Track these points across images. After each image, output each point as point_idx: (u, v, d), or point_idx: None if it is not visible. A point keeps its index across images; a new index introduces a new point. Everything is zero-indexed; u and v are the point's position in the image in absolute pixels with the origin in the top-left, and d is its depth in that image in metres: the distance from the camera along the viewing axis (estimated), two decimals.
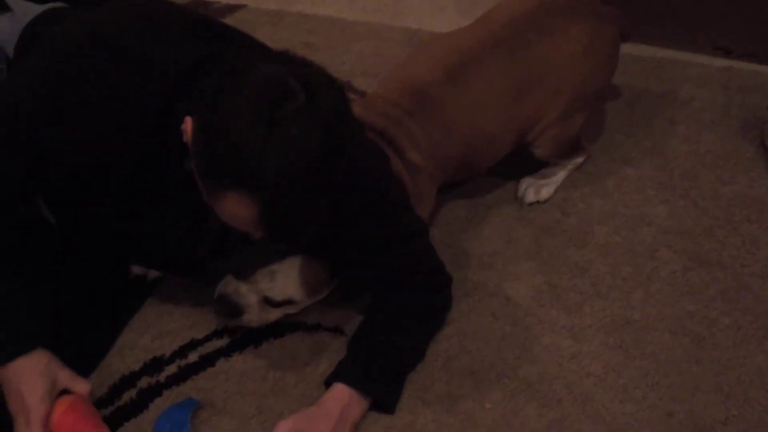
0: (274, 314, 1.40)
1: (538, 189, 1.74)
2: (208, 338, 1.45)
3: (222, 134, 1.00)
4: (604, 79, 1.70)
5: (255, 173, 0.99)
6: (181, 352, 1.43)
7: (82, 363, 1.39)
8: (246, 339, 1.44)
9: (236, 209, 1.03)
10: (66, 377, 1.24)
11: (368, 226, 1.30)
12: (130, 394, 1.36)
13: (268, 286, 1.35)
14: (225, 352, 1.43)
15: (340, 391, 1.29)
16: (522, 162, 1.73)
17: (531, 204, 1.73)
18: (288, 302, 1.38)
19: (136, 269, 1.53)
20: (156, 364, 1.41)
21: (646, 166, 1.82)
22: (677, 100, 2.03)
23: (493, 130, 1.57)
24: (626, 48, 2.20)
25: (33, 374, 1.20)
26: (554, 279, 1.56)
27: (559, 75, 1.58)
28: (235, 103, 1.00)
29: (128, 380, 1.39)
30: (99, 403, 1.34)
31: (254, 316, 1.39)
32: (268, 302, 1.37)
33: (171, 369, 1.40)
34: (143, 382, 1.38)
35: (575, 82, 1.60)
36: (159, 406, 1.34)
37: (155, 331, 1.46)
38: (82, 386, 1.26)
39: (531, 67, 1.56)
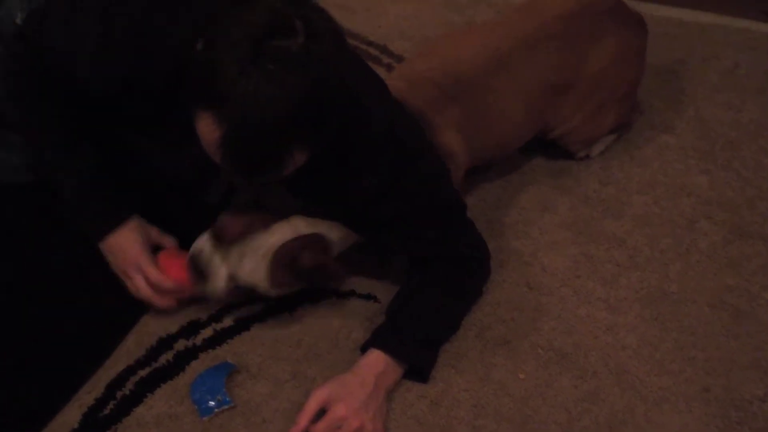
0: (238, 293, 1.34)
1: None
2: (243, 303, 1.46)
3: (208, 53, 1.01)
4: (632, 83, 1.72)
5: (223, 97, 0.99)
6: (217, 316, 1.44)
7: (121, 322, 1.43)
8: (280, 305, 1.45)
9: (205, 130, 1.03)
10: (155, 233, 1.39)
11: (402, 197, 1.28)
12: (167, 356, 1.38)
13: (237, 263, 1.29)
14: (260, 317, 1.43)
15: (376, 358, 1.29)
16: None
17: (581, 159, 1.73)
18: (252, 288, 1.33)
19: None
20: (192, 328, 1.42)
21: (687, 134, 1.79)
22: (721, 66, 1.98)
23: (527, 123, 1.60)
24: (668, 11, 2.16)
25: (131, 235, 1.34)
26: (591, 249, 1.54)
27: (592, 80, 1.61)
28: (230, 26, 1.00)
29: (165, 342, 1.40)
30: (137, 364, 1.36)
31: (218, 287, 1.32)
32: (233, 280, 1.32)
33: (207, 332, 1.42)
34: (180, 345, 1.40)
35: (606, 87, 1.63)
36: (195, 368, 1.36)
37: None
38: (169, 240, 1.40)
39: (571, 69, 1.59)
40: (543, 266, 1.52)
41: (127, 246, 1.32)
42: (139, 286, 1.35)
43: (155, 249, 1.40)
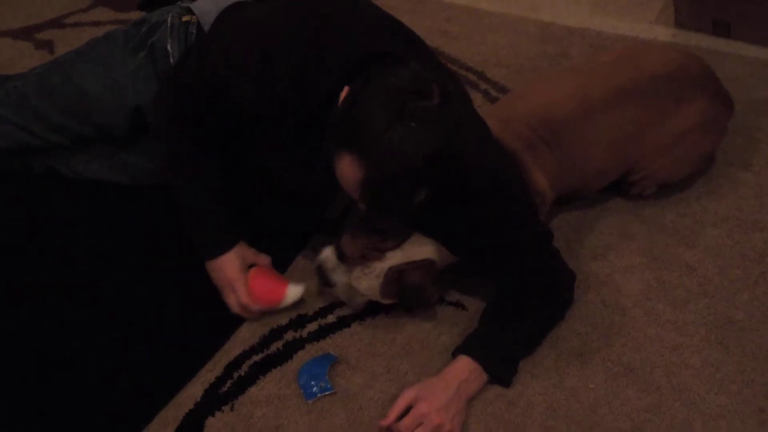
0: (360, 299, 1.58)
1: None
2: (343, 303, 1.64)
3: (358, 106, 1.20)
4: (709, 148, 1.82)
5: (369, 145, 1.18)
6: (322, 312, 1.63)
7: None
8: (378, 306, 1.62)
9: (346, 170, 1.23)
10: (251, 254, 1.59)
11: (497, 229, 1.44)
12: (277, 345, 1.57)
13: (357, 279, 1.51)
14: (360, 316, 1.61)
15: (462, 365, 1.45)
16: None
17: (633, 197, 1.84)
18: (368, 297, 1.56)
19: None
20: (300, 321, 1.62)
21: (764, 173, 1.88)
22: None
23: (608, 167, 1.73)
24: (758, 52, 2.23)
25: (231, 259, 1.55)
26: (664, 275, 1.66)
27: (674, 137, 1.71)
28: (380, 86, 1.20)
29: (276, 333, 1.60)
30: (251, 350, 1.56)
31: (342, 293, 1.58)
32: (353, 290, 1.55)
33: (312, 326, 1.61)
34: (289, 336, 1.59)
35: (686, 146, 1.73)
36: (302, 357, 1.55)
37: None
38: (263, 259, 1.60)
39: (656, 124, 1.70)
40: (618, 287, 1.65)
41: (226, 268, 1.52)
42: (231, 303, 1.57)
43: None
